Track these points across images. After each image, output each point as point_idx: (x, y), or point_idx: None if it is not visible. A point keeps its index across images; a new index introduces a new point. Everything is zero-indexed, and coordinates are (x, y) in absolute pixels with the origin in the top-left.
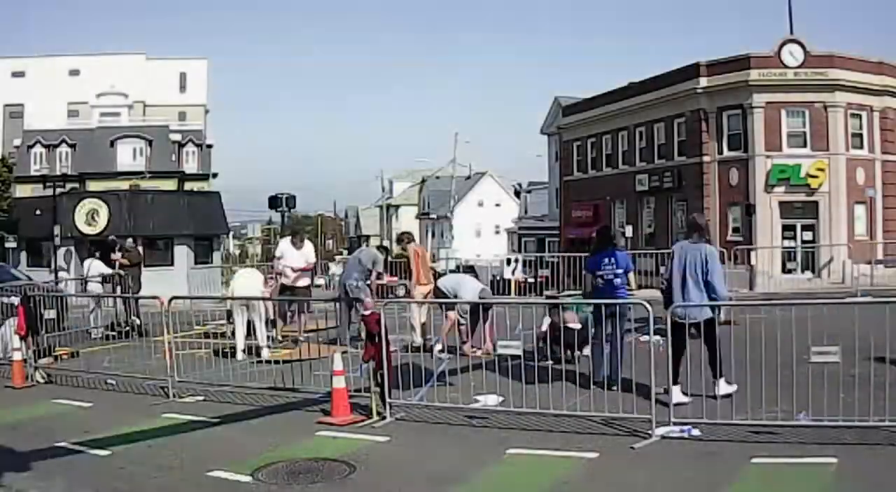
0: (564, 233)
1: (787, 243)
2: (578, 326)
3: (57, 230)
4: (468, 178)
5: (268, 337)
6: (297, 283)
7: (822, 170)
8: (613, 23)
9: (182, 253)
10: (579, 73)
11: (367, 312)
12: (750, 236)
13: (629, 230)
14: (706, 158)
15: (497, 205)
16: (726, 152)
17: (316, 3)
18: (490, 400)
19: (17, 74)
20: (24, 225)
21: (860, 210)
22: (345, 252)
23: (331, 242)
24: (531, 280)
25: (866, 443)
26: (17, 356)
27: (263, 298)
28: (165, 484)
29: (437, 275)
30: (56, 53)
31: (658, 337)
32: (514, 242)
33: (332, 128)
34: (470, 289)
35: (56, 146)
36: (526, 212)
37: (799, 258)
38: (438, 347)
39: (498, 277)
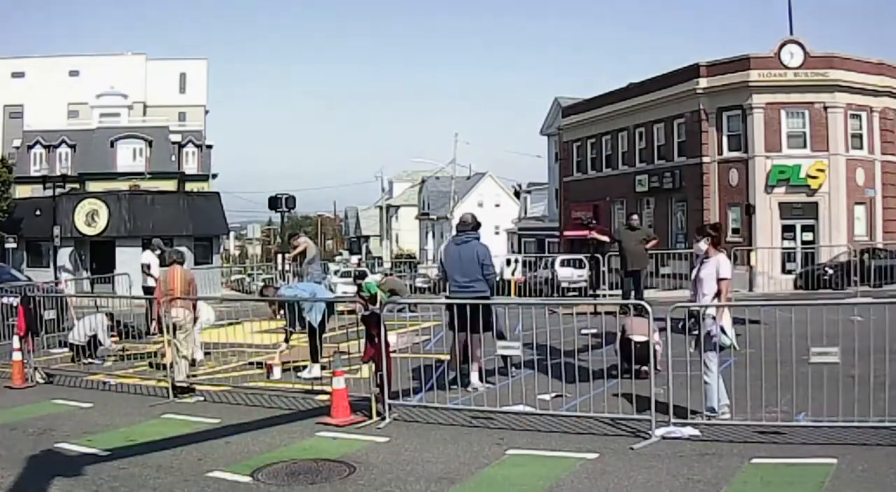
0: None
1: (786, 244)
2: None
3: (57, 231)
4: (468, 178)
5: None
6: None
7: (821, 170)
8: (614, 23)
9: None
10: (579, 73)
11: (366, 313)
12: (750, 237)
13: None
14: (706, 159)
15: (497, 205)
16: (726, 153)
17: (316, 3)
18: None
19: (17, 75)
20: (24, 225)
21: (860, 211)
22: (345, 252)
23: (331, 242)
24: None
25: (866, 443)
26: (17, 356)
27: (267, 299)
28: (165, 484)
29: None
30: (56, 54)
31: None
32: (513, 242)
33: (332, 128)
34: None
35: (56, 147)
36: (526, 212)
37: (799, 259)
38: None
39: (498, 278)
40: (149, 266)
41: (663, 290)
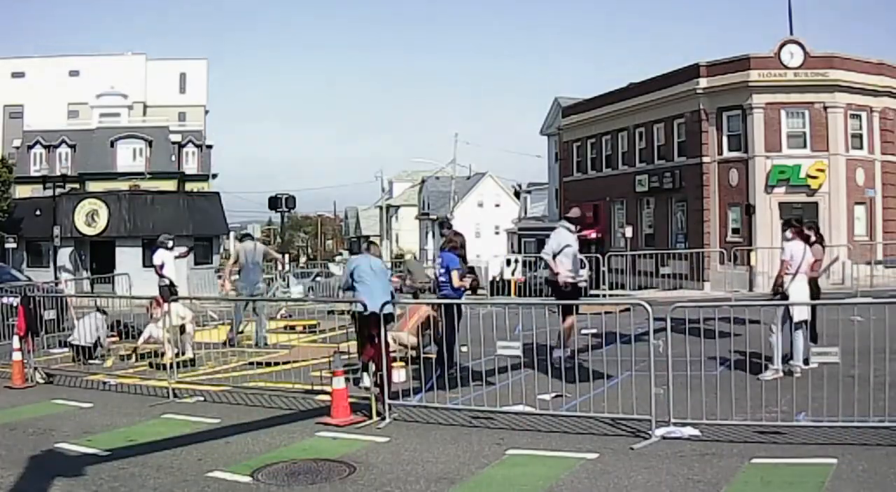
0: None
1: None
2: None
3: (57, 231)
4: (468, 178)
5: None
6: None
7: (821, 170)
8: (613, 23)
9: None
10: (579, 73)
11: (366, 313)
12: (750, 237)
13: (629, 231)
14: (706, 159)
15: (497, 205)
16: (726, 153)
17: (316, 3)
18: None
19: (17, 75)
20: (24, 225)
21: (860, 211)
22: (345, 252)
23: (330, 242)
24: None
25: (866, 443)
26: (17, 356)
27: (270, 300)
28: (165, 484)
29: None
30: (56, 54)
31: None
32: (513, 242)
33: (332, 128)
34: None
35: (56, 147)
36: (526, 212)
37: None
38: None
39: (498, 278)
40: (162, 266)
41: (663, 290)
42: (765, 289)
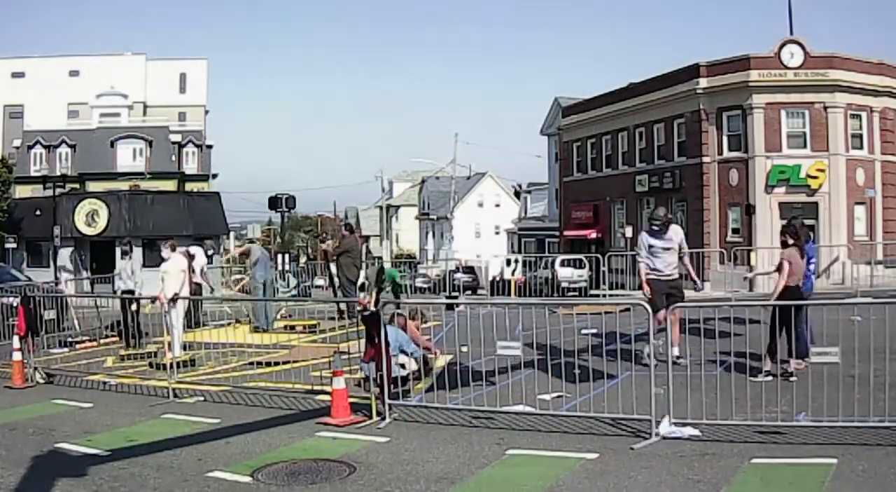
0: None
1: None
2: None
3: (57, 231)
4: (468, 178)
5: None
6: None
7: (821, 170)
8: (613, 23)
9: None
10: (579, 73)
11: (366, 313)
12: (750, 237)
13: (629, 231)
14: (706, 159)
15: (497, 205)
16: (726, 153)
17: (316, 4)
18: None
19: (17, 75)
20: (24, 225)
21: (860, 211)
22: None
23: (330, 242)
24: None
25: (866, 443)
26: (17, 356)
27: (272, 299)
28: (165, 484)
29: None
30: (56, 54)
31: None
32: (513, 242)
33: (332, 128)
34: None
35: (56, 147)
36: (526, 213)
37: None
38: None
39: (498, 278)
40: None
41: None
42: (765, 289)
